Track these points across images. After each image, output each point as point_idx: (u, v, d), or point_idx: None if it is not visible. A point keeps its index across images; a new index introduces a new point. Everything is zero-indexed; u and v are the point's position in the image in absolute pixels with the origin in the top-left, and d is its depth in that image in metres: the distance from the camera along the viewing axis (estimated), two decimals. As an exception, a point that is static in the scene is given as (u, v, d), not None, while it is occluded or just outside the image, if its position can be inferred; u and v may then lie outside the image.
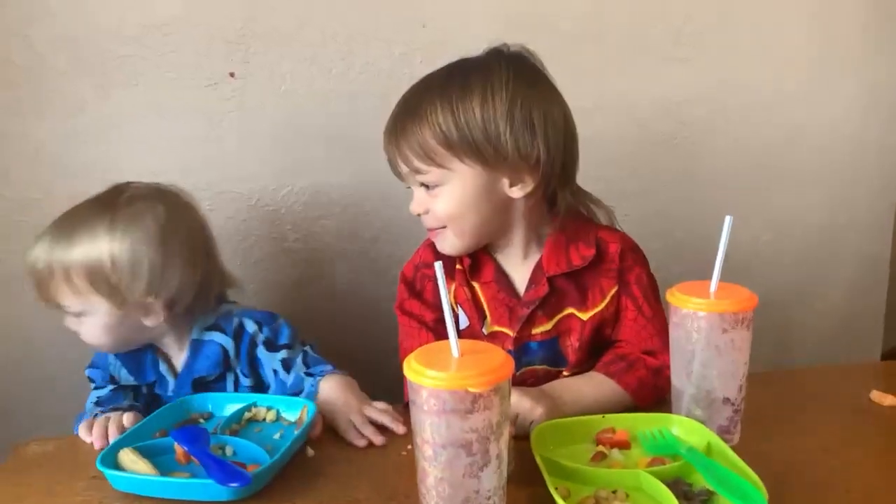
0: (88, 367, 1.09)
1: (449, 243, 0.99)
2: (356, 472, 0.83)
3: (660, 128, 1.42)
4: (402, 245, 1.33)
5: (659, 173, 1.44)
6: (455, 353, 0.68)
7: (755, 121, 1.47)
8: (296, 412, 0.95)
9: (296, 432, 0.88)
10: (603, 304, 1.00)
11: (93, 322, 0.99)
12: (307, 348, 1.07)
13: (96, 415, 0.96)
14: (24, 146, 1.22)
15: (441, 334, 0.97)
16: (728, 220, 0.83)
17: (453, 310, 0.99)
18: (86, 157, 1.24)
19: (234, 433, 0.91)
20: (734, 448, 0.78)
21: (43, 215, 1.24)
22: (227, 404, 0.97)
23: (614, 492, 0.74)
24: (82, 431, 0.92)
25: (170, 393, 1.06)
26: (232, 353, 1.05)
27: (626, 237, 1.03)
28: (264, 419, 0.95)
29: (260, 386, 1.07)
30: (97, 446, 0.89)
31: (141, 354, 1.07)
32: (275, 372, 1.05)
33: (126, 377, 1.06)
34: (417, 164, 0.95)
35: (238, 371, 1.07)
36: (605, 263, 1.00)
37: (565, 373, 1.00)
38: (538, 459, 0.76)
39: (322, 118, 1.29)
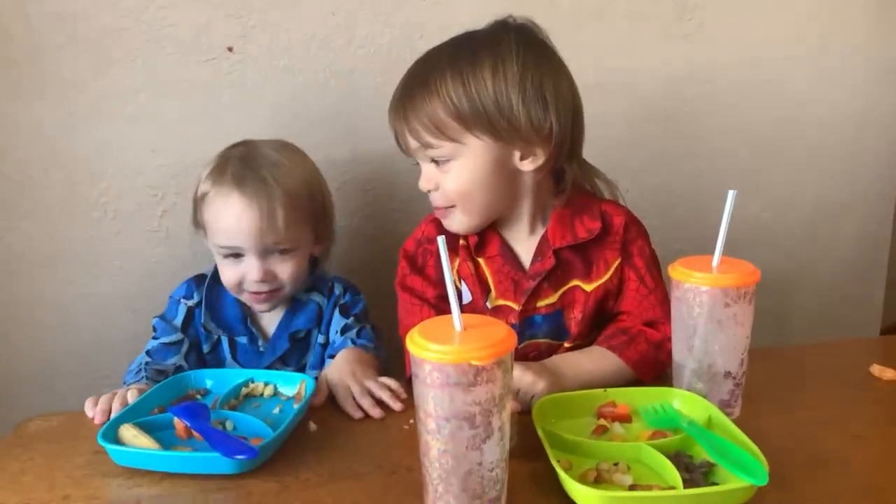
0: (157, 316, 1.12)
1: (457, 221, 0.99)
2: (358, 445, 0.84)
3: (662, 104, 1.41)
4: (401, 222, 1.33)
5: (660, 150, 1.43)
6: (458, 326, 0.67)
7: (757, 98, 1.46)
8: (293, 387, 0.96)
9: (295, 406, 0.89)
10: (607, 276, 1.00)
11: (299, 256, 1.08)
12: (369, 327, 1.11)
13: (141, 368, 1.02)
14: (22, 123, 1.21)
15: (442, 310, 0.97)
16: (731, 194, 0.83)
17: (456, 285, 0.99)
18: (84, 133, 1.23)
19: (233, 408, 0.92)
20: (735, 421, 0.78)
21: (40, 193, 1.25)
22: (225, 380, 0.97)
23: (616, 464, 0.74)
24: (88, 406, 0.92)
25: (261, 348, 1.12)
26: (325, 311, 1.13)
27: (629, 211, 1.04)
28: (262, 394, 0.96)
29: (328, 344, 1.12)
30: (97, 421, 0.89)
31: (227, 309, 1.12)
32: (336, 333, 1.11)
33: (215, 329, 1.11)
34: (428, 138, 0.94)
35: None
36: (609, 236, 1.00)
37: (567, 344, 1.00)
38: (540, 433, 0.77)
39: (321, 94, 1.28)
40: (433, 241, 1.01)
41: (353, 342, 1.07)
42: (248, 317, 1.13)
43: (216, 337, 1.12)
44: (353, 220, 1.35)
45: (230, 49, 1.23)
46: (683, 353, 0.87)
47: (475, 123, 0.91)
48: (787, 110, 1.47)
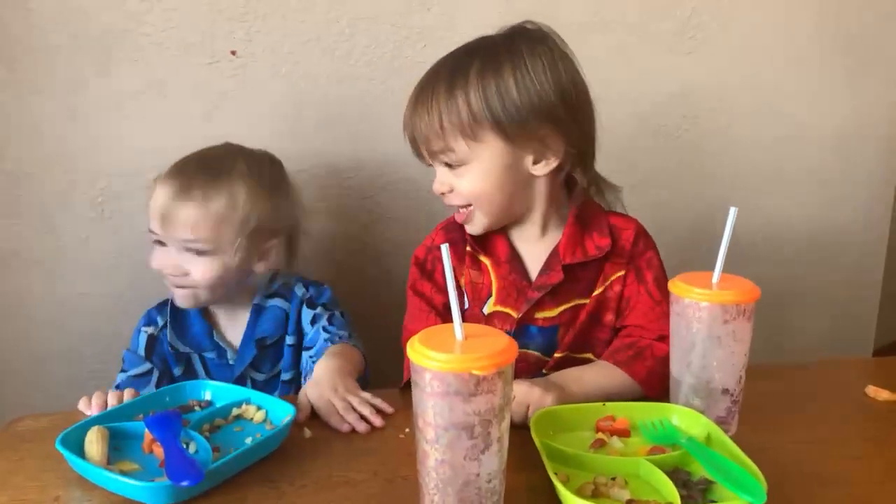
0: (127, 349, 1.12)
1: (476, 220, 0.99)
2: (355, 453, 0.83)
3: (662, 121, 1.42)
4: (400, 230, 1.32)
5: (660, 166, 1.44)
6: (459, 335, 0.67)
7: (757, 116, 1.46)
8: (282, 418, 0.87)
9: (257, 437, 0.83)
10: (602, 288, 1.00)
11: (211, 262, 1.04)
12: (338, 313, 1.13)
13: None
14: (22, 121, 1.21)
15: (447, 319, 0.96)
16: (733, 211, 0.83)
17: (460, 292, 0.99)
18: (85, 133, 1.23)
19: (217, 427, 0.87)
20: (732, 439, 0.78)
21: (37, 190, 1.24)
22: (225, 394, 0.93)
23: (613, 479, 0.74)
24: (82, 404, 0.90)
25: (231, 360, 1.12)
26: (290, 314, 1.13)
27: (638, 222, 1.04)
28: (251, 419, 0.90)
29: (300, 344, 1.13)
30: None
31: (192, 326, 1.12)
32: (308, 324, 1.12)
33: (182, 347, 1.11)
34: (442, 143, 0.93)
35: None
36: (616, 251, 1.00)
37: (557, 354, 1.00)
38: (538, 445, 0.76)
39: (323, 100, 1.28)
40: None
41: (326, 329, 1.08)
42: (213, 331, 1.13)
43: (185, 357, 1.13)
44: (351, 228, 1.34)
45: (233, 52, 1.23)
46: (681, 368, 0.87)
47: (488, 128, 0.92)
48: (787, 130, 1.48)
